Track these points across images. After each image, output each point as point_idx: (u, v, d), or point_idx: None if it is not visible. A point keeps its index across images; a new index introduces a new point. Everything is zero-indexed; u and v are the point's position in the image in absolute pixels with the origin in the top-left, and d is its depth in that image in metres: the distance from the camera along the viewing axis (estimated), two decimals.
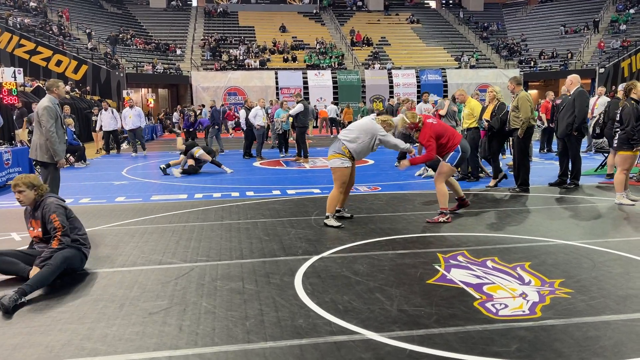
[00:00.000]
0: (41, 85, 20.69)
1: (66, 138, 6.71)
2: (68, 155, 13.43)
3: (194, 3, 42.66)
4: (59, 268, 4.15)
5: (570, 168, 8.46)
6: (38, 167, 6.64)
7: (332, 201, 6.09)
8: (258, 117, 14.32)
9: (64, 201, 4.51)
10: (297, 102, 13.39)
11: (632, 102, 6.90)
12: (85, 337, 3.25)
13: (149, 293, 3.99)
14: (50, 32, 29.73)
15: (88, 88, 27.12)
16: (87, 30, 32.44)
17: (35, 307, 3.77)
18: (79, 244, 4.44)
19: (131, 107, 16.49)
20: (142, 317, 3.54)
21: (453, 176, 6.84)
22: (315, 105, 22.47)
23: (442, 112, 10.72)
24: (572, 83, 8.23)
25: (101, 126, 16.30)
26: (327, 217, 6.09)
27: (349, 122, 24.96)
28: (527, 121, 7.88)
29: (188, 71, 32.22)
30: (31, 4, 32.69)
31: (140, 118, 16.18)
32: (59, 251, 4.19)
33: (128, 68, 30.71)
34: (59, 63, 27.61)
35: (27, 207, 4.45)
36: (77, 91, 24.99)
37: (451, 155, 6.20)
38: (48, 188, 4.50)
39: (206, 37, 36.61)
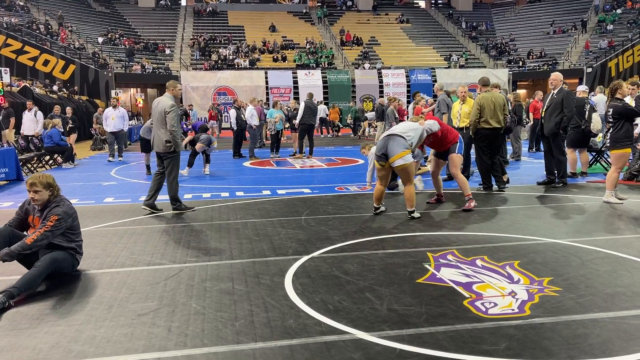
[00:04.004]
0: (28, 85, 20.51)
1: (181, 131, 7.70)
2: (56, 155, 13.34)
3: (183, 2, 42.43)
4: (47, 269, 4.08)
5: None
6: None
7: (413, 195, 6.39)
8: (254, 117, 14.33)
9: (75, 210, 4.37)
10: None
11: (618, 101, 6.96)
12: (72, 339, 3.22)
13: (138, 294, 3.96)
14: (37, 31, 29.43)
15: (76, 88, 26.89)
16: (71, 35, 32.09)
17: (22, 308, 3.73)
18: (74, 251, 4.38)
19: (114, 107, 14.72)
20: (131, 318, 3.51)
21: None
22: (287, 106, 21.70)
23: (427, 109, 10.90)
24: (558, 81, 8.30)
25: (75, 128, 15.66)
26: (413, 211, 6.39)
27: (338, 122, 25.05)
28: (473, 123, 8.07)
29: (177, 71, 32.05)
30: (18, 2, 32.36)
31: (123, 120, 14.52)
32: (29, 248, 4.04)
33: (117, 68, 30.49)
34: (46, 63, 27.36)
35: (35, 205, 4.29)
36: (65, 91, 24.79)
37: (457, 146, 6.98)
38: (60, 189, 4.37)
39: (195, 37, 36.43)
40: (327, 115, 24.43)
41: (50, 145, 12.85)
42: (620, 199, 7.06)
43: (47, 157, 13.26)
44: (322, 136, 23.75)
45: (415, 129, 6.53)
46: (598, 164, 10.28)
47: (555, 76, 8.37)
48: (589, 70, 31.89)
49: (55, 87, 24.81)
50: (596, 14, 37.71)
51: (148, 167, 11.25)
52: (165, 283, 4.20)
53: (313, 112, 13.97)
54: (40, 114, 14.15)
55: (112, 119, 14.34)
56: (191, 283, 4.19)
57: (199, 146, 11.02)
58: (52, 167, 13.10)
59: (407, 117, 19.11)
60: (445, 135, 6.97)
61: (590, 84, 30.50)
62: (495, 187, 8.24)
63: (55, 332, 3.32)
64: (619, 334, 3.13)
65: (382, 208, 6.73)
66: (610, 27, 35.78)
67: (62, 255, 4.24)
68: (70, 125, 15.36)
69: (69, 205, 4.31)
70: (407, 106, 23.48)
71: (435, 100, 11.31)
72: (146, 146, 10.65)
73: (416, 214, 6.40)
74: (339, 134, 24.57)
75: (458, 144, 7.01)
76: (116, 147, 14.37)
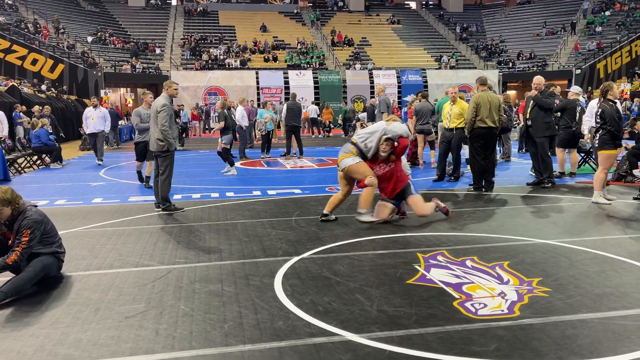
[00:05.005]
0: (16, 85, 20.30)
1: (177, 131, 7.56)
2: (44, 155, 13.20)
3: (174, 2, 42.20)
4: (37, 276, 4.04)
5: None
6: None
7: (366, 197, 6.05)
8: (244, 118, 14.29)
9: (43, 214, 4.23)
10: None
11: (610, 103, 7.01)
12: (58, 342, 3.17)
13: (125, 296, 3.92)
14: (26, 30, 29.14)
15: (65, 87, 26.66)
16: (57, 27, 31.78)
17: (7, 311, 3.67)
18: (57, 253, 4.31)
19: (95, 107, 13.77)
20: (118, 321, 3.47)
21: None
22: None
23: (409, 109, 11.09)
24: (541, 85, 8.38)
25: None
26: (361, 214, 6.07)
27: (329, 122, 25.04)
28: (469, 122, 8.07)
29: (168, 71, 31.87)
30: (6, 1, 32.04)
31: (104, 121, 13.55)
32: (11, 267, 3.98)
33: (106, 67, 30.26)
34: (34, 62, 27.09)
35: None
36: (54, 91, 24.57)
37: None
38: (22, 199, 4.18)
39: (186, 37, 36.25)
40: (318, 115, 24.42)
41: (38, 146, 12.72)
42: (608, 199, 7.11)
43: (35, 157, 13.12)
44: (313, 136, 23.74)
45: (374, 131, 6.10)
46: (586, 164, 10.35)
47: (538, 80, 8.45)
48: (578, 71, 32.13)
49: (43, 87, 24.58)
50: (584, 18, 38.03)
51: (140, 174, 9.64)
52: (154, 285, 4.16)
53: (296, 114, 13.95)
54: (2, 114, 13.39)
55: (92, 120, 13.44)
56: (180, 285, 4.15)
57: (221, 145, 11.07)
58: (39, 167, 12.97)
59: (400, 118, 19.16)
60: (398, 180, 6.16)
61: (579, 86, 30.74)
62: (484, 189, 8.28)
63: (40, 335, 3.27)
64: (608, 334, 3.14)
65: (332, 217, 6.27)
66: (599, 29, 36.08)
67: (50, 260, 4.19)
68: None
69: (36, 212, 4.15)
70: (401, 107, 23.57)
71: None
72: (141, 153, 9.22)
73: (364, 218, 6.00)
74: (330, 134, 24.56)
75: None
76: (110, 145, 13.79)
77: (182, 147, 17.91)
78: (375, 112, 10.51)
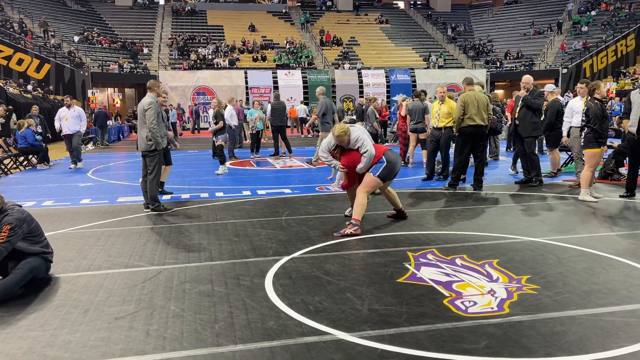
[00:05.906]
0: (1, 85, 20.08)
1: (165, 130, 7.39)
2: (30, 156, 13.06)
3: (161, 1, 41.95)
4: (25, 278, 3.99)
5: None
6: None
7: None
8: (233, 117, 14.27)
9: (26, 213, 4.18)
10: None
11: (596, 102, 7.08)
12: (47, 344, 3.14)
13: (115, 297, 3.89)
14: (11, 30, 28.81)
15: (51, 87, 26.41)
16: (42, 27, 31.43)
17: None
18: (44, 253, 4.27)
19: (68, 106, 12.73)
20: (108, 322, 3.44)
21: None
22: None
23: (402, 112, 11.18)
24: (529, 84, 8.45)
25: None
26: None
27: None
28: (457, 121, 8.13)
29: (156, 70, 31.68)
30: None
31: (79, 121, 12.62)
32: None
33: (93, 67, 30.01)
34: (20, 62, 26.83)
35: None
36: (40, 91, 24.32)
37: (374, 166, 5.79)
38: (3, 198, 4.14)
39: (174, 36, 36.05)
40: (307, 115, 24.40)
41: (24, 146, 12.58)
42: (595, 197, 7.19)
43: (22, 158, 12.98)
44: (302, 136, 23.72)
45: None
46: (573, 163, 10.43)
47: (527, 79, 8.53)
48: (564, 71, 32.45)
49: (29, 87, 24.33)
50: (569, 19, 38.41)
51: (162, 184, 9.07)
52: (143, 285, 4.14)
53: (280, 113, 13.98)
54: None
55: (67, 120, 12.48)
56: (170, 285, 4.13)
57: (217, 143, 11.15)
58: (26, 168, 12.83)
59: (390, 118, 19.21)
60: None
61: (566, 85, 31.08)
62: (470, 186, 8.34)
63: (28, 337, 3.24)
64: (596, 330, 3.18)
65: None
66: (585, 28, 36.44)
67: (37, 261, 4.15)
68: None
69: (19, 210, 4.12)
70: (390, 106, 23.60)
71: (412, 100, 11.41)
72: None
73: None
74: (320, 133, 24.56)
75: (377, 164, 5.80)
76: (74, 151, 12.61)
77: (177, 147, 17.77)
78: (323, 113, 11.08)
